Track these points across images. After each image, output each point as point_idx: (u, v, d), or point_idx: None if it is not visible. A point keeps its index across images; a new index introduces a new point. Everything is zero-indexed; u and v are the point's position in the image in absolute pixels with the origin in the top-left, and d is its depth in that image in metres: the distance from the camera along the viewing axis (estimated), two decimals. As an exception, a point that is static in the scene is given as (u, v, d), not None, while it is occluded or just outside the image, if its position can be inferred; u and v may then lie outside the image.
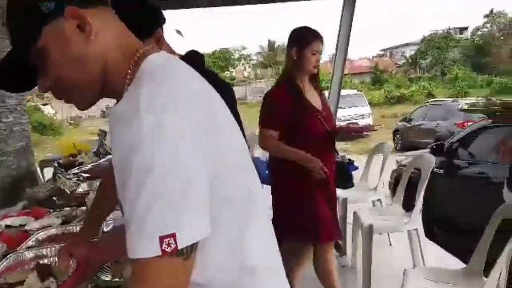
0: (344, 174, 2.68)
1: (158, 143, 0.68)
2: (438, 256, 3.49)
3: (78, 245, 1.21)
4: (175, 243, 0.67)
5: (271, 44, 39.37)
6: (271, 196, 2.63)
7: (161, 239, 0.66)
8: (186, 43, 2.32)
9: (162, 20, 1.49)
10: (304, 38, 2.51)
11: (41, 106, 24.69)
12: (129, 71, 0.81)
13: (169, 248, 0.66)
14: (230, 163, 0.80)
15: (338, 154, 2.68)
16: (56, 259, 1.21)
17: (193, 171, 0.70)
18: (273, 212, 2.44)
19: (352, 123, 2.96)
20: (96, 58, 0.80)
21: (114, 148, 0.79)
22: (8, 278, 1.17)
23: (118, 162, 0.74)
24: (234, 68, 38.31)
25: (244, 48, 39.33)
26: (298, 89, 2.51)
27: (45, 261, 1.65)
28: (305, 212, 2.49)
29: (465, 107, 6.80)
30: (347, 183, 2.75)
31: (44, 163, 4.69)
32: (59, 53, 0.79)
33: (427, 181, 3.10)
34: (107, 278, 1.49)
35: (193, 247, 0.70)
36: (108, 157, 3.54)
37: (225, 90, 1.13)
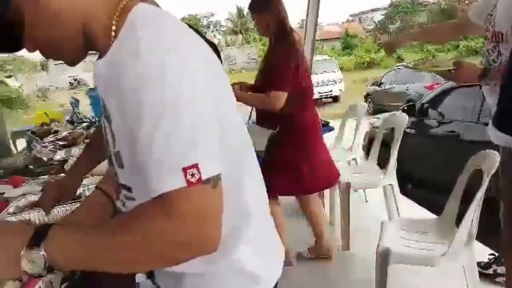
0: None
1: (165, 80, 0.69)
2: (412, 211, 3.62)
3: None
4: (199, 173, 0.68)
5: (240, 11, 38.69)
6: None
7: (185, 170, 0.67)
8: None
9: None
10: None
11: (5, 79, 23.71)
12: (114, 22, 0.80)
13: (193, 178, 0.67)
14: (230, 116, 0.84)
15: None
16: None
17: (205, 107, 0.72)
18: None
19: None
20: (72, 14, 0.79)
21: (114, 98, 0.77)
22: None
23: (124, 109, 0.73)
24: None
25: (212, 15, 38.56)
26: None
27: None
28: None
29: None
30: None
31: (17, 135, 4.57)
32: (34, 13, 0.78)
33: (400, 138, 3.19)
34: None
35: (218, 177, 0.71)
36: (83, 124, 3.49)
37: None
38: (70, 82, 30.19)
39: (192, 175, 0.67)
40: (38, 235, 0.71)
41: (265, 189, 0.99)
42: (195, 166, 0.68)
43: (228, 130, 0.81)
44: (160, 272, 0.94)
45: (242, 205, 0.88)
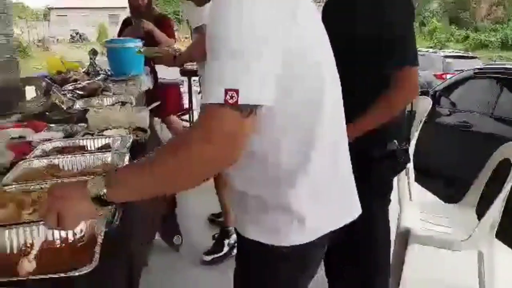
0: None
1: (236, 10, 0.78)
2: (422, 197, 3.59)
3: None
4: (237, 97, 0.76)
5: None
6: None
7: (226, 91, 0.76)
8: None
9: None
10: None
11: (5, 25, 23.29)
12: None
13: (231, 100, 0.76)
14: (306, 44, 0.89)
15: None
16: None
17: (267, 40, 0.79)
18: None
19: None
20: None
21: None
22: None
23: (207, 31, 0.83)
24: None
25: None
26: None
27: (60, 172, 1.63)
28: None
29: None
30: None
31: (27, 81, 4.46)
32: None
33: (422, 122, 3.15)
34: None
35: (253, 109, 0.79)
36: (100, 76, 3.41)
37: None
38: (71, 35, 29.71)
39: (231, 97, 0.76)
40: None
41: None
42: (236, 91, 0.76)
43: (300, 61, 0.88)
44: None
45: (309, 153, 0.94)
